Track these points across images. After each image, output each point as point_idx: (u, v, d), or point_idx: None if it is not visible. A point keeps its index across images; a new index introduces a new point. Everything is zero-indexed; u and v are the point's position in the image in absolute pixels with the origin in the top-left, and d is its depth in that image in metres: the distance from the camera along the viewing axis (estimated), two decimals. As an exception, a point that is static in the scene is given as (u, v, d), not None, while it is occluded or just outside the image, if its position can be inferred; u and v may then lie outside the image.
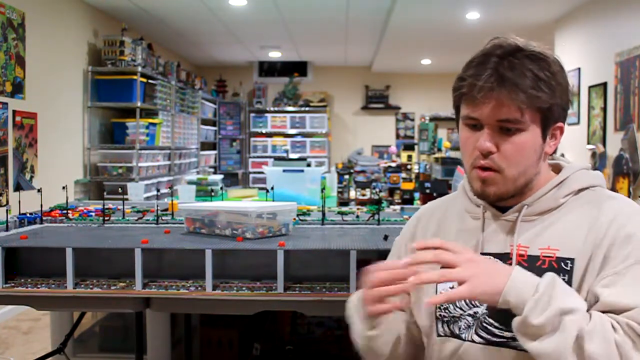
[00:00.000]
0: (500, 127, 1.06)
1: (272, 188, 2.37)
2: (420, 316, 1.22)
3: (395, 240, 1.34)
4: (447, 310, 1.15)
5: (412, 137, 9.81)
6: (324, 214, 2.30)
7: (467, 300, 1.12)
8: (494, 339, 1.08)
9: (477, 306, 1.11)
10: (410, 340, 1.24)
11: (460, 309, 1.13)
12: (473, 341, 1.10)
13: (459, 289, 0.96)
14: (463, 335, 1.12)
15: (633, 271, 0.99)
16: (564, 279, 1.02)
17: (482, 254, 1.12)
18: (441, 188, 4.37)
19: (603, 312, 0.97)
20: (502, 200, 1.13)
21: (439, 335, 1.16)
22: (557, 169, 1.18)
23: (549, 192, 1.11)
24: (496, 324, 1.08)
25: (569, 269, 1.04)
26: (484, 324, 1.10)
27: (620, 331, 0.94)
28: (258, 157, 9.58)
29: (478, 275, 0.96)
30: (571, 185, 1.12)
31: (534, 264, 1.06)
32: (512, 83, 1.03)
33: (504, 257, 1.10)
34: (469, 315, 1.12)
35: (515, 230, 1.10)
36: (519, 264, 1.07)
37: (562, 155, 5.56)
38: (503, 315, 1.03)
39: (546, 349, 0.93)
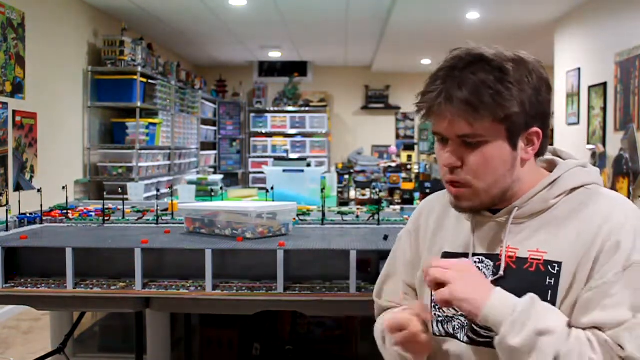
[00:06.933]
0: (462, 140, 1.05)
1: (272, 188, 2.37)
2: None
3: (400, 235, 1.34)
4: (441, 310, 1.16)
5: (412, 137, 9.82)
6: (324, 214, 2.30)
7: None
8: (480, 340, 1.09)
9: None
10: None
11: (454, 309, 1.13)
12: (463, 341, 1.12)
13: (441, 290, 1.00)
14: (458, 335, 1.13)
15: (618, 286, 0.98)
16: (550, 283, 1.03)
17: (474, 254, 1.13)
18: (441, 188, 4.36)
19: (587, 327, 0.98)
20: (480, 210, 1.12)
21: (434, 335, 1.16)
22: (552, 166, 1.16)
23: (539, 193, 1.09)
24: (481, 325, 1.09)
25: (555, 272, 1.03)
26: (472, 325, 1.10)
27: (598, 351, 0.95)
28: (258, 157, 9.58)
29: (459, 281, 1.00)
30: (563, 185, 1.10)
31: (522, 267, 1.06)
32: (460, 100, 1.01)
33: (494, 258, 1.10)
34: (462, 315, 1.12)
35: (505, 231, 1.10)
36: (507, 265, 1.08)
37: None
38: None
39: None
